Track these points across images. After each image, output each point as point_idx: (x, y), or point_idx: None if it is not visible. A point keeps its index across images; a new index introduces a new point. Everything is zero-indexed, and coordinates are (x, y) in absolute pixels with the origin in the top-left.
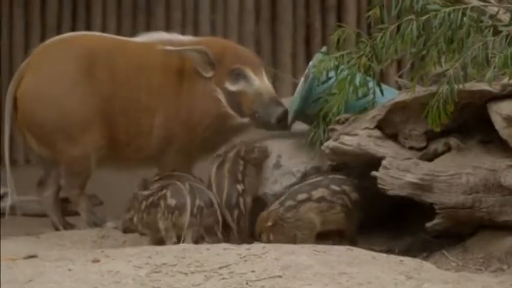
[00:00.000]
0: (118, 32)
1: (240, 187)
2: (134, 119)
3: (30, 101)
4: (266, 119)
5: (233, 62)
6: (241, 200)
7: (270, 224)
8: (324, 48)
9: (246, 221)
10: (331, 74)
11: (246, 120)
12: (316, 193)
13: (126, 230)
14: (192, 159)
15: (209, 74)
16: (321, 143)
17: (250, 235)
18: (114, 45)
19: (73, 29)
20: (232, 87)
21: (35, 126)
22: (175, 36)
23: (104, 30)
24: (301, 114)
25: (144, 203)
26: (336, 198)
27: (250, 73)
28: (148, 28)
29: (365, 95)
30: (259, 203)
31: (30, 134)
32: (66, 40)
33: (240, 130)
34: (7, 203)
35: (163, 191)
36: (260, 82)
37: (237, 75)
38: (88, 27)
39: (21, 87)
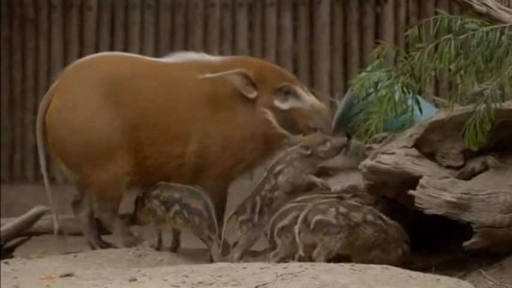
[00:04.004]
0: (156, 50)
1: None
2: (162, 145)
3: (57, 128)
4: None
5: (277, 80)
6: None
7: None
8: (369, 67)
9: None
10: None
11: (299, 137)
12: None
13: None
14: (231, 181)
15: (253, 95)
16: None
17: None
18: (141, 66)
19: (111, 47)
20: (283, 105)
21: (63, 152)
22: (204, 57)
23: (141, 47)
24: (343, 125)
25: None
26: None
27: (299, 90)
28: (186, 46)
29: (403, 113)
30: None
31: (59, 159)
32: (91, 63)
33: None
34: (45, 222)
35: None
36: (311, 98)
37: (286, 93)
38: (126, 45)
39: (49, 113)
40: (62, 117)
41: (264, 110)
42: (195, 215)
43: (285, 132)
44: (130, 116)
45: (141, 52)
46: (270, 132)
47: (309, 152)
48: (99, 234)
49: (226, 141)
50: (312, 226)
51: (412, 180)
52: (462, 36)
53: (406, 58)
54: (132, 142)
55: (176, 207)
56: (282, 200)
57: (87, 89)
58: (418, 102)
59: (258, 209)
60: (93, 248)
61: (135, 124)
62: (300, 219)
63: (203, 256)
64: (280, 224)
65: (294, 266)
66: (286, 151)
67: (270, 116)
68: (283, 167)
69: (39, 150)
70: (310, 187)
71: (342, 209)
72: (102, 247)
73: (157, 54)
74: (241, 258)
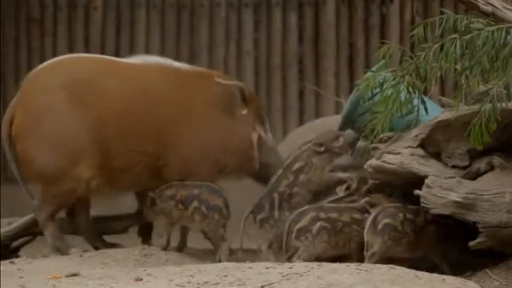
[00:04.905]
0: (161, 49)
1: (276, 194)
2: (130, 144)
3: (23, 139)
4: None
5: (258, 106)
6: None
7: None
8: (374, 67)
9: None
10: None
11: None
12: None
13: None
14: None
15: (244, 112)
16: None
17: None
18: (107, 68)
19: (117, 46)
20: (261, 132)
21: (29, 161)
22: (169, 62)
23: (147, 47)
24: (349, 126)
25: None
26: None
27: (267, 124)
28: (192, 46)
29: (409, 113)
30: None
31: (24, 170)
32: (50, 68)
33: None
34: None
35: None
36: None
37: (262, 122)
38: (131, 44)
39: (15, 125)
40: (27, 127)
41: (252, 131)
42: (215, 211)
43: (257, 157)
44: (95, 116)
45: (146, 51)
46: (250, 153)
47: (322, 149)
48: (100, 235)
49: (207, 147)
50: (379, 227)
51: (418, 180)
52: (468, 36)
53: (411, 58)
54: (98, 143)
55: (195, 203)
56: (302, 198)
57: (49, 95)
58: (423, 102)
59: (276, 205)
60: (97, 248)
61: (100, 125)
62: (368, 221)
63: (209, 256)
64: (298, 226)
65: (299, 265)
66: (301, 149)
67: (255, 139)
68: (303, 165)
69: (10, 162)
70: (338, 183)
71: (408, 215)
72: (106, 246)
73: (163, 53)
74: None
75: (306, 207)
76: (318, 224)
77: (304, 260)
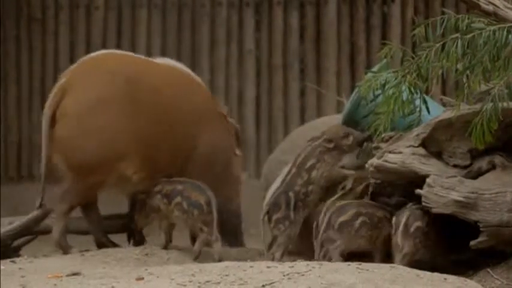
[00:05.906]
0: (163, 49)
1: (292, 194)
2: (171, 139)
3: (70, 125)
4: None
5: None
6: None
7: None
8: (376, 67)
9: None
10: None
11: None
12: None
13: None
14: None
15: (238, 153)
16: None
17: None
18: (153, 68)
19: (118, 46)
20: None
21: (73, 149)
22: (188, 71)
23: (148, 46)
24: (353, 124)
25: None
26: None
27: None
28: (193, 45)
29: (411, 113)
30: None
31: (62, 156)
32: (108, 59)
33: None
34: (52, 220)
35: None
36: None
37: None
38: (133, 44)
39: (62, 109)
40: (77, 114)
41: (243, 173)
42: (195, 208)
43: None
44: (143, 112)
45: (148, 51)
46: (237, 190)
47: (331, 145)
48: (105, 234)
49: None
50: (411, 230)
51: (419, 179)
52: (469, 36)
53: (413, 58)
54: (146, 139)
55: (178, 199)
56: (317, 195)
57: (104, 87)
58: (425, 102)
59: (292, 205)
60: (100, 247)
61: (147, 120)
62: (401, 225)
63: (210, 255)
64: (341, 219)
65: (300, 265)
66: (311, 146)
67: (243, 179)
68: (315, 162)
69: (44, 146)
70: (343, 179)
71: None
72: (111, 246)
73: (164, 53)
74: (282, 256)
75: (345, 202)
76: (360, 219)
77: (343, 251)
